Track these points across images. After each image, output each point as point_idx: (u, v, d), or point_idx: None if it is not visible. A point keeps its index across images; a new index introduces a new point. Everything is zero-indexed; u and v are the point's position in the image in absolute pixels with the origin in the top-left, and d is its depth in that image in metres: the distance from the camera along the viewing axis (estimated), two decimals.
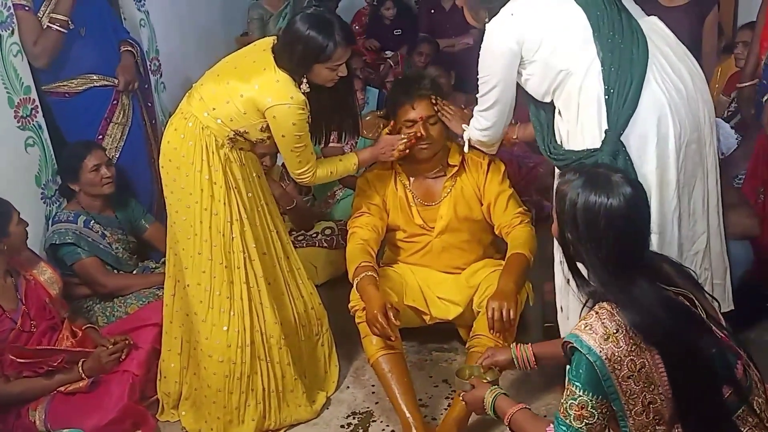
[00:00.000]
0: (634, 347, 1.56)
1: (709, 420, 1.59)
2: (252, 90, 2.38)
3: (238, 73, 2.43)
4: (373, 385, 2.80)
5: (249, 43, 2.60)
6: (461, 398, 2.11)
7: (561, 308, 2.33)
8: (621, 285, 1.61)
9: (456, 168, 2.75)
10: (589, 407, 1.60)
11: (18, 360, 2.45)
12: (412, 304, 2.72)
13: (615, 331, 1.57)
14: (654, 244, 2.03)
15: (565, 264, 1.75)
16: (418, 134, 2.63)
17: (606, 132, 2.02)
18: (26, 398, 2.52)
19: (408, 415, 2.43)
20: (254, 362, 2.52)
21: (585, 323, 1.61)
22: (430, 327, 2.84)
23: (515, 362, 2.17)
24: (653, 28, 2.17)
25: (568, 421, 1.62)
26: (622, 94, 2.00)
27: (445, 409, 2.58)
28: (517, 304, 2.47)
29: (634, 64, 2.03)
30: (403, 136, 2.64)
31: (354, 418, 2.67)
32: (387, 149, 2.67)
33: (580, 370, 1.60)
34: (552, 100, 2.18)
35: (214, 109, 2.42)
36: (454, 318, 2.76)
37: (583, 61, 2.06)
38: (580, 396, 1.60)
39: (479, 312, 2.58)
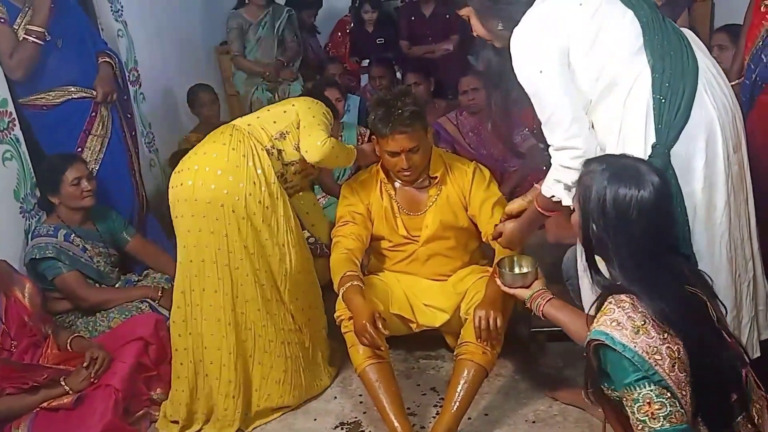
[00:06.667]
0: (665, 334, 1.51)
1: (716, 421, 1.56)
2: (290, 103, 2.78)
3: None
4: (360, 395, 2.78)
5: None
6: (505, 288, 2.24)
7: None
8: (646, 277, 1.56)
9: (437, 179, 2.75)
10: (655, 399, 1.48)
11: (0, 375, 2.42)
12: (398, 312, 2.71)
13: (642, 323, 1.51)
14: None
15: (584, 257, 1.69)
16: (402, 166, 2.62)
17: (654, 146, 1.84)
18: (9, 416, 2.48)
19: (396, 424, 2.42)
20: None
21: (610, 319, 1.54)
22: (416, 335, 2.83)
23: (526, 302, 2.16)
24: (693, 38, 1.98)
25: (646, 430, 1.50)
26: (674, 106, 1.82)
27: (434, 417, 2.57)
28: (505, 312, 2.46)
29: (686, 74, 1.85)
30: None
31: (342, 429, 2.65)
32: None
33: (624, 372, 1.51)
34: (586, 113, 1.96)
35: (258, 117, 2.72)
36: (441, 325, 2.74)
37: (633, 70, 1.87)
38: (639, 394, 1.50)
39: (466, 319, 2.57)
